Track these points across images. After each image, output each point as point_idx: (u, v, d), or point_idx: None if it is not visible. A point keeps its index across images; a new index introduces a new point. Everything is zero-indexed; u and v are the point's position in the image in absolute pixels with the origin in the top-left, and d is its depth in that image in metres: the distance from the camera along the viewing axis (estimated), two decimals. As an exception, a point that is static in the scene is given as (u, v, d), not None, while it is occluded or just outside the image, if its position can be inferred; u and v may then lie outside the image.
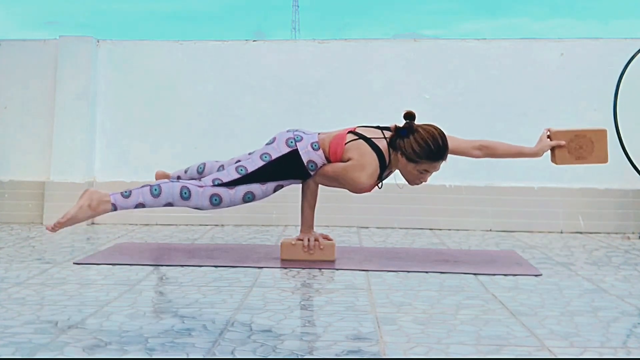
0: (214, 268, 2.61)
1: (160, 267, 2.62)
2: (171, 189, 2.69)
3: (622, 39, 4.02)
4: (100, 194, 2.68)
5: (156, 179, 3.07)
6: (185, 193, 2.70)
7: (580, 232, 3.90)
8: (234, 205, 2.76)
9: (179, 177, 3.10)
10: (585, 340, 1.73)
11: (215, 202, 2.72)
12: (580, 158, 2.89)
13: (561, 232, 3.90)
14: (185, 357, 1.55)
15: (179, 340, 1.67)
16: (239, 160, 2.91)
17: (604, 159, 2.91)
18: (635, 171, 3.74)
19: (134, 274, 2.47)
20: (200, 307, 2.01)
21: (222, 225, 3.98)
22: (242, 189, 2.73)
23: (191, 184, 2.71)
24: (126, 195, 2.69)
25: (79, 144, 4.06)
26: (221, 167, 2.97)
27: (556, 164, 2.92)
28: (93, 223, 4.00)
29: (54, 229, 2.66)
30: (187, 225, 3.96)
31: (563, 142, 2.87)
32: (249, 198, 2.75)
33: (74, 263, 2.68)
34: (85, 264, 2.66)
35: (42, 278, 2.38)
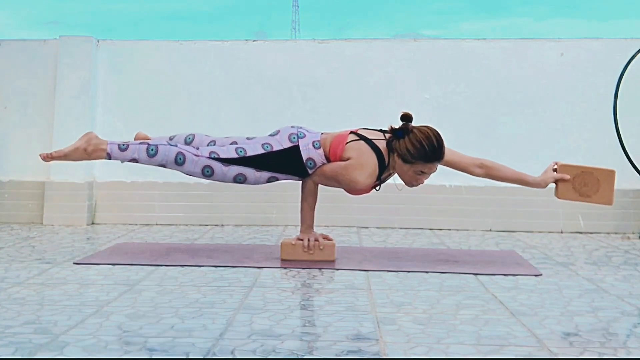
0: (214, 268, 2.61)
1: (160, 267, 2.62)
2: (167, 152, 2.73)
3: (622, 39, 4.02)
4: (99, 140, 2.79)
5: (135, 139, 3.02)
6: (180, 159, 2.73)
7: (580, 232, 3.90)
8: (224, 181, 2.79)
9: None
10: (585, 340, 1.73)
11: (207, 173, 2.75)
12: (583, 195, 2.83)
13: (561, 232, 3.90)
14: (185, 357, 1.55)
15: (179, 340, 1.67)
16: (235, 142, 2.88)
17: (608, 200, 2.84)
18: (635, 171, 3.74)
19: (134, 274, 2.47)
20: (200, 307, 2.01)
21: (222, 225, 3.98)
22: (235, 169, 2.74)
23: (188, 152, 2.73)
24: (123, 148, 2.76)
25: (79, 144, 4.05)
26: (212, 142, 2.92)
27: (558, 197, 2.86)
28: (93, 223, 4.00)
29: (46, 159, 2.80)
30: (187, 225, 3.96)
31: (568, 177, 2.81)
32: (240, 179, 2.77)
33: (74, 263, 2.68)
34: (85, 264, 2.66)
35: (42, 278, 2.38)
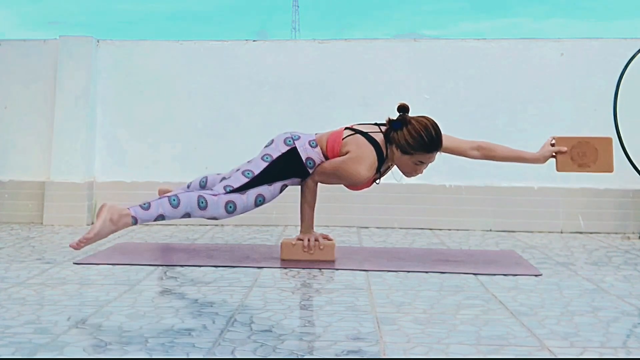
0: (214, 268, 2.61)
1: (160, 267, 2.62)
2: (189, 199, 2.68)
3: (622, 39, 4.02)
4: (119, 207, 2.62)
5: (159, 194, 3.05)
6: (202, 202, 2.69)
7: (580, 232, 3.90)
8: (247, 210, 2.76)
9: None
10: (585, 340, 1.73)
11: (230, 209, 2.72)
12: (582, 166, 2.83)
13: (561, 232, 3.90)
14: (185, 357, 1.55)
15: (179, 340, 1.67)
16: (238, 169, 2.91)
17: (608, 168, 2.85)
18: (635, 171, 3.74)
19: (134, 274, 2.47)
20: (200, 307, 2.01)
21: (222, 225, 3.98)
22: (253, 193, 2.74)
23: (206, 194, 2.71)
24: (145, 207, 2.65)
25: (79, 144, 4.06)
26: (223, 179, 2.96)
27: (558, 170, 2.87)
28: (93, 223, 4.00)
29: (79, 245, 2.57)
30: (187, 225, 3.95)
31: (565, 149, 2.82)
32: (260, 201, 2.76)
33: (74, 263, 2.68)
34: (85, 264, 2.66)
35: (42, 278, 2.38)
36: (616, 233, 3.87)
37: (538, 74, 4.06)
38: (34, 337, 1.68)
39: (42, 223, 3.96)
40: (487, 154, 2.87)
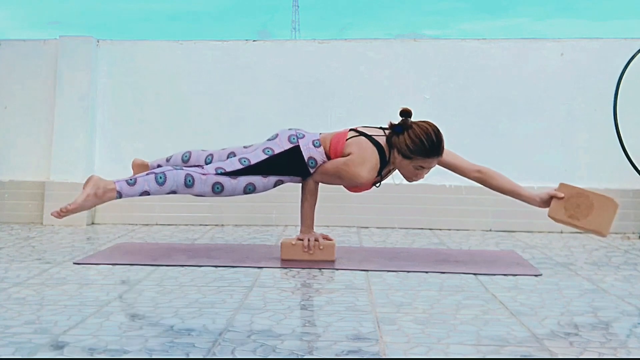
0: (214, 268, 2.61)
1: (160, 267, 2.62)
2: (175, 177, 2.70)
3: (622, 39, 4.02)
4: (106, 182, 2.69)
5: (133, 168, 3.05)
6: (189, 181, 2.70)
7: (580, 232, 3.90)
8: (235, 195, 2.77)
9: (159, 166, 3.05)
10: (585, 340, 1.73)
11: (217, 190, 2.73)
12: (572, 217, 2.71)
13: (561, 232, 3.90)
14: (185, 357, 1.55)
15: (179, 340, 1.67)
16: (233, 152, 2.91)
17: (599, 227, 2.68)
18: (635, 171, 3.74)
19: (134, 274, 2.47)
20: (200, 307, 2.01)
21: (222, 225, 3.98)
22: (244, 180, 2.74)
23: (194, 172, 2.72)
24: (131, 183, 2.69)
25: (79, 144, 4.06)
26: (210, 156, 2.95)
27: (548, 215, 2.78)
28: (93, 223, 4.00)
29: (60, 215, 2.65)
30: (187, 225, 3.96)
31: (561, 195, 2.74)
32: (249, 189, 2.76)
33: (74, 263, 2.68)
34: (85, 264, 2.66)
35: (42, 278, 2.38)
36: (616, 233, 3.87)
37: (538, 74, 4.06)
38: (34, 337, 1.68)
39: (42, 223, 3.96)
40: (487, 180, 2.84)
